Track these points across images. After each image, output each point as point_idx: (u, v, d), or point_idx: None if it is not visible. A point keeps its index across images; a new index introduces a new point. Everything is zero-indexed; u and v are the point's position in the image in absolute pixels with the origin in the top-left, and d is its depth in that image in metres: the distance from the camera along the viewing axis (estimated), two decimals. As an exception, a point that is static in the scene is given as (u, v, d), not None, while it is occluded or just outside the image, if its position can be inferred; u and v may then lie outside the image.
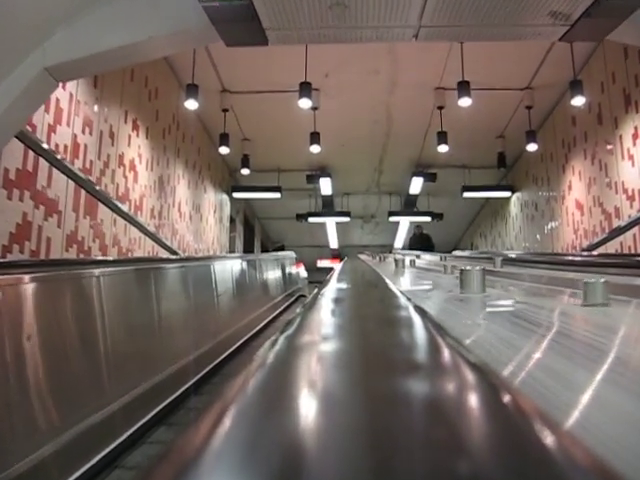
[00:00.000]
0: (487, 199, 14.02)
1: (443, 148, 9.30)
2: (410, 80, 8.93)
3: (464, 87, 7.21)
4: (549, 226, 10.00)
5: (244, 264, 6.75)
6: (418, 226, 13.80)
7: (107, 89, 6.29)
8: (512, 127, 10.39)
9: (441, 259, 4.82)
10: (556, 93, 9.31)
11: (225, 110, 9.32)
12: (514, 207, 12.20)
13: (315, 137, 9.15)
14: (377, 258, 5.87)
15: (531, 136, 9.22)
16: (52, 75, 3.88)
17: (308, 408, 0.31)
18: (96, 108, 6.06)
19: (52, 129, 5.13)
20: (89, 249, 5.79)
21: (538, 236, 10.62)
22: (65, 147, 5.37)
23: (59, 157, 5.09)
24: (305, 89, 7.33)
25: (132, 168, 7.04)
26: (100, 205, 6.09)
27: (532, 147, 9.27)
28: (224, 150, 9.51)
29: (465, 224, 16.90)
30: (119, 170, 6.65)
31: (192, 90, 7.48)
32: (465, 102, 7.36)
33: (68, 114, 5.43)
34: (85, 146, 5.78)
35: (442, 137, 9.21)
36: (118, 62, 4.42)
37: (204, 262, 5.50)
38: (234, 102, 9.44)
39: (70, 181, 5.43)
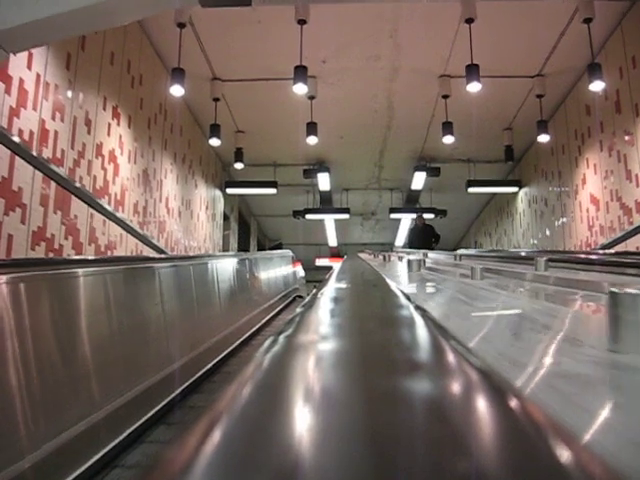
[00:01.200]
0: (493, 195, 13.47)
1: (448, 139, 8.73)
2: (413, 66, 8.36)
3: (473, 71, 6.64)
4: (560, 222, 9.44)
5: (233, 264, 6.18)
6: (420, 216, 11.75)
7: (82, 72, 5.72)
8: (520, 118, 9.83)
9: (456, 258, 4.22)
10: (568, 81, 8.75)
11: (216, 99, 8.75)
12: (521, 203, 11.64)
13: (312, 128, 8.57)
14: (380, 257, 5.30)
15: (542, 126, 8.65)
16: (1, 45, 3.30)
17: (302, 415, 0.30)
18: (69, 93, 5.49)
19: (15, 113, 4.56)
20: (60, 247, 5.23)
21: (548, 233, 10.06)
22: (31, 133, 4.80)
23: (18, 142, 4.52)
24: (300, 74, 6.76)
25: (112, 159, 6.47)
26: (74, 199, 5.53)
27: (544, 138, 8.71)
28: (215, 142, 8.93)
29: (468, 221, 16.33)
30: (97, 161, 6.08)
31: (178, 75, 6.91)
32: (474, 87, 6.79)
33: (35, 97, 4.86)
34: (55, 133, 5.21)
35: (447, 128, 8.64)
36: (81, 27, 3.86)
37: (185, 262, 4.91)
38: (226, 91, 8.87)
39: (38, 172, 4.87)
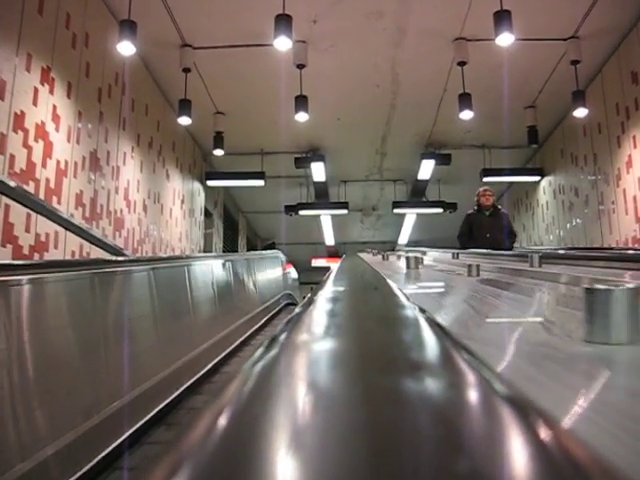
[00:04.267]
0: (508, 186, 12.02)
1: (466, 114, 7.29)
2: (423, 27, 6.93)
3: (504, 19, 5.21)
4: (596, 215, 8.00)
5: (205, 268, 4.76)
6: (485, 192, 7.17)
7: (-11, 15, 4.29)
8: (546, 93, 8.39)
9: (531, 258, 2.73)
10: (608, 44, 7.31)
11: (186, 70, 7.30)
12: (544, 194, 10.20)
13: (302, 102, 7.14)
14: (386, 258, 3.90)
15: (579, 98, 7.19)
16: None
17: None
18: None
19: None
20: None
21: (580, 227, 8.62)
22: None
23: None
24: (283, 25, 5.33)
25: (41, 136, 5.02)
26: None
27: (581, 112, 7.25)
28: (185, 121, 7.49)
29: (479, 217, 14.88)
30: (15, 136, 4.64)
31: (127, 28, 5.46)
32: (505, 40, 5.38)
33: None
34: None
35: (465, 101, 7.19)
36: None
37: (142, 266, 3.58)
38: (199, 61, 7.43)
39: None
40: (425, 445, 0.25)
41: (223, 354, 4.22)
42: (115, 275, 3.16)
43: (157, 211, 7.99)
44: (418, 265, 2.22)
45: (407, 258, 2.22)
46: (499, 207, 7.39)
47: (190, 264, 4.44)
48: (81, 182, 5.73)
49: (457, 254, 3.60)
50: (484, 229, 6.87)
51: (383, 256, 4.03)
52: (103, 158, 6.25)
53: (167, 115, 8.27)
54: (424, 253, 4.78)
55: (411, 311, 0.78)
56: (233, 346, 4.65)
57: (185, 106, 7.24)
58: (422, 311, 0.75)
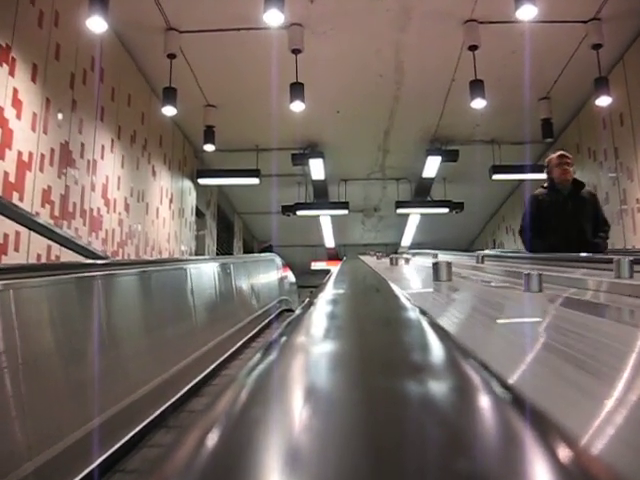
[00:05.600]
0: (518, 184, 11.38)
1: (478, 103, 6.66)
2: (430, 7, 6.31)
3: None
4: (618, 214, 7.37)
5: (184, 274, 4.14)
6: (562, 159, 4.47)
7: None
8: (562, 82, 7.77)
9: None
10: (629, 28, 6.70)
11: (171, 56, 6.68)
12: (557, 192, 9.54)
13: (297, 90, 6.52)
14: (395, 262, 3.23)
15: (602, 85, 6.56)
16: None
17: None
18: None
19: None
20: None
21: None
22: None
23: None
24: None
25: (-1, 122, 4.41)
26: None
27: (604, 101, 6.61)
28: (169, 111, 6.86)
29: (485, 217, 14.25)
30: (-37, 121, 4.03)
31: (98, 2, 4.83)
32: (527, 13, 4.74)
33: None
34: None
35: (477, 88, 6.56)
36: None
37: (114, 270, 3.01)
38: (187, 47, 6.81)
39: None
40: (429, 454, 0.24)
41: (196, 379, 3.59)
42: (82, 280, 2.61)
43: (141, 210, 7.36)
44: (450, 276, 1.59)
45: (435, 266, 1.58)
46: (582, 183, 4.62)
47: (163, 269, 3.82)
48: (49, 177, 5.11)
49: (482, 258, 2.96)
50: (562, 217, 4.27)
51: (391, 260, 3.34)
52: (76, 151, 5.63)
53: (153, 107, 7.65)
54: (435, 256, 4.18)
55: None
56: (213, 366, 4.02)
57: (170, 95, 6.62)
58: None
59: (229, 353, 4.38)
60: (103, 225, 6.17)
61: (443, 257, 4.17)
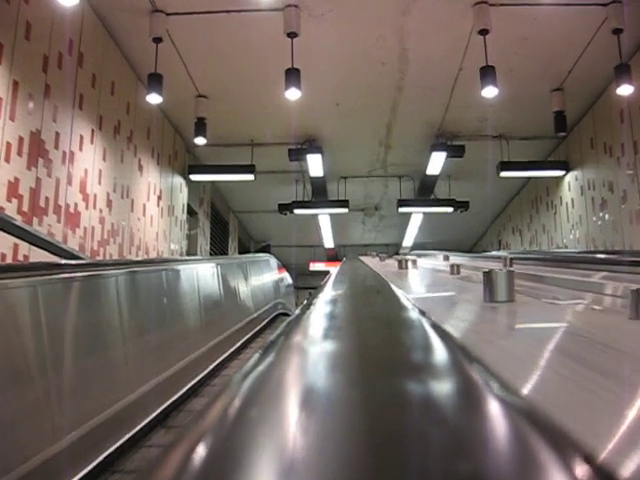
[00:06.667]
0: (525, 182, 10.90)
1: (490, 91, 6.15)
2: (438, -13, 5.82)
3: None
4: (637, 213, 6.88)
5: (167, 276, 3.66)
6: None
7: None
8: (577, 72, 7.27)
9: None
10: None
11: (158, 40, 6.17)
12: (569, 191, 9.06)
13: (293, 77, 6.02)
14: (404, 265, 2.72)
15: (624, 72, 6.05)
16: None
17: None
18: None
19: None
20: None
21: (615, 228, 7.48)
22: None
23: None
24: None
25: (-46, 106, 3.92)
26: None
27: (625, 89, 6.10)
28: (154, 99, 6.35)
29: (490, 217, 13.73)
30: None
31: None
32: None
33: None
34: None
35: (488, 75, 6.06)
36: None
37: (90, 271, 2.60)
38: (174, 31, 6.32)
39: None
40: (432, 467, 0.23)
41: (175, 396, 3.09)
42: (55, 282, 2.32)
43: (126, 207, 6.86)
44: (513, 294, 1.10)
45: (490, 278, 1.08)
46: None
47: (143, 270, 3.33)
48: (16, 168, 4.61)
49: (510, 261, 2.45)
50: None
51: (400, 263, 2.79)
52: (50, 141, 5.13)
53: (140, 96, 7.13)
54: (447, 258, 3.68)
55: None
56: (195, 381, 3.52)
57: (155, 81, 6.12)
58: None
59: (209, 369, 3.88)
60: (81, 222, 5.67)
61: (457, 260, 3.65)
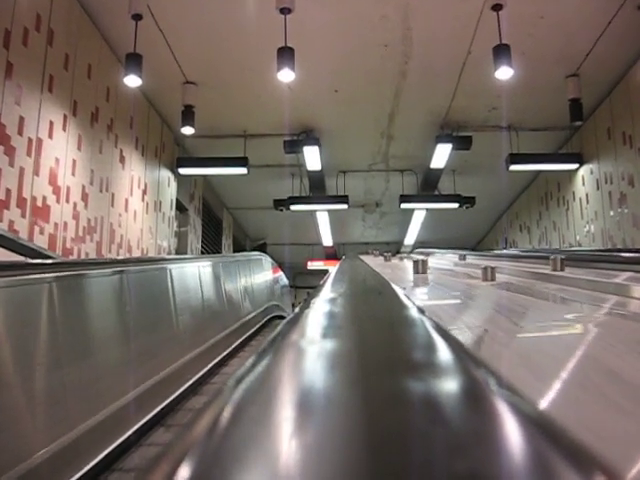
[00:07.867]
0: (534, 177, 10.35)
1: (504, 73, 5.59)
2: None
3: None
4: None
5: (147, 277, 3.13)
6: None
7: None
8: (595, 55, 6.71)
9: None
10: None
11: (137, 17, 5.61)
12: (583, 185, 8.51)
13: (286, 57, 5.45)
14: (421, 269, 2.16)
15: (652, 52, 5.50)
16: None
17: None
18: None
19: None
20: None
21: (635, 224, 6.93)
22: None
23: None
24: None
25: None
26: None
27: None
28: (133, 81, 5.79)
29: (496, 214, 13.18)
30: None
31: None
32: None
33: None
34: None
35: (502, 55, 5.49)
36: None
37: (58, 272, 2.12)
38: (157, 8, 5.76)
39: None
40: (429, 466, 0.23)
41: (153, 412, 2.55)
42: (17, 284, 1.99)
43: (105, 201, 6.30)
44: None
45: None
46: None
47: (121, 271, 2.81)
48: (-31, 155, 4.06)
49: (561, 262, 1.93)
50: None
51: (417, 266, 2.19)
52: (11, 126, 4.57)
53: (122, 82, 6.56)
54: (463, 257, 3.14)
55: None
56: (176, 394, 2.98)
57: (134, 62, 5.56)
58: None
59: (194, 379, 3.34)
60: (51, 217, 5.11)
61: (476, 261, 3.08)
